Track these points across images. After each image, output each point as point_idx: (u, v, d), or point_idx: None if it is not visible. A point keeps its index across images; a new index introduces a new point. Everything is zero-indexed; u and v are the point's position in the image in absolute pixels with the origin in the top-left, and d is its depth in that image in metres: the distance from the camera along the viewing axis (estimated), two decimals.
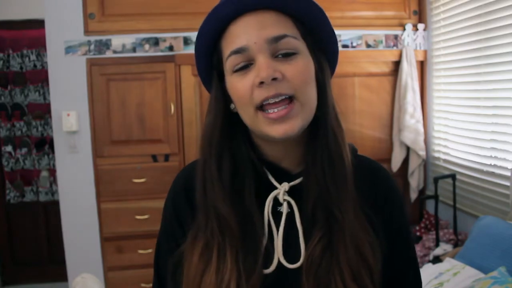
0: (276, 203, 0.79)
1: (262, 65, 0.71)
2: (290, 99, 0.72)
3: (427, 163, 3.13)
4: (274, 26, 0.72)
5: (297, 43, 0.73)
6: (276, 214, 0.78)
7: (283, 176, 0.79)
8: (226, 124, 0.78)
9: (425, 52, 3.09)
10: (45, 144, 3.73)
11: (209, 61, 0.79)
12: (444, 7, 2.85)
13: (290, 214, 0.78)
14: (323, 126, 0.76)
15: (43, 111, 3.68)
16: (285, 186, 0.78)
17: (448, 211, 2.76)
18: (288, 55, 0.72)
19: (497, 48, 2.35)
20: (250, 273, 0.72)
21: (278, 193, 0.78)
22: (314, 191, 0.76)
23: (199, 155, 0.80)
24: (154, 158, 2.96)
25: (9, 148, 3.70)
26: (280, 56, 0.72)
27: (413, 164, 3.06)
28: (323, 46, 0.79)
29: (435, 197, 2.67)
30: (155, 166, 2.95)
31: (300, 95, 0.72)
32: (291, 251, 0.76)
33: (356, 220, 0.75)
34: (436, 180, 2.65)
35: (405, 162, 3.10)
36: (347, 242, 0.73)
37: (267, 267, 0.75)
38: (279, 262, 0.75)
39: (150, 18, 2.91)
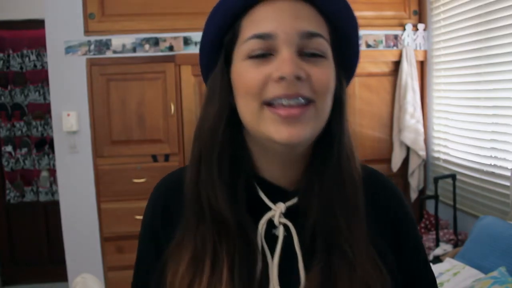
0: (270, 224, 0.68)
1: (286, 59, 0.60)
2: (307, 102, 0.62)
3: (427, 163, 3.12)
4: (309, 20, 0.62)
5: (328, 48, 0.64)
6: (271, 237, 0.67)
7: (276, 193, 0.69)
8: (231, 119, 0.67)
9: (425, 52, 3.09)
10: (45, 144, 3.72)
11: (219, 41, 0.67)
12: (444, 7, 2.85)
13: (287, 237, 0.67)
14: (337, 145, 0.67)
15: (43, 111, 3.67)
16: (281, 207, 0.67)
17: (448, 211, 2.76)
18: (315, 56, 0.63)
19: (497, 48, 2.35)
20: None
21: (273, 215, 0.67)
22: (316, 215, 0.66)
23: (194, 148, 0.69)
24: (154, 158, 2.96)
25: (9, 148, 3.70)
26: (306, 56, 0.62)
27: (413, 164, 3.06)
28: (346, 56, 0.70)
29: (435, 197, 2.67)
30: (155, 166, 2.95)
31: (319, 102, 0.63)
32: (287, 278, 0.65)
33: (367, 256, 0.65)
34: (436, 180, 2.65)
35: (405, 162, 3.10)
36: (355, 278, 0.64)
37: None
38: None
39: (150, 18, 2.91)
